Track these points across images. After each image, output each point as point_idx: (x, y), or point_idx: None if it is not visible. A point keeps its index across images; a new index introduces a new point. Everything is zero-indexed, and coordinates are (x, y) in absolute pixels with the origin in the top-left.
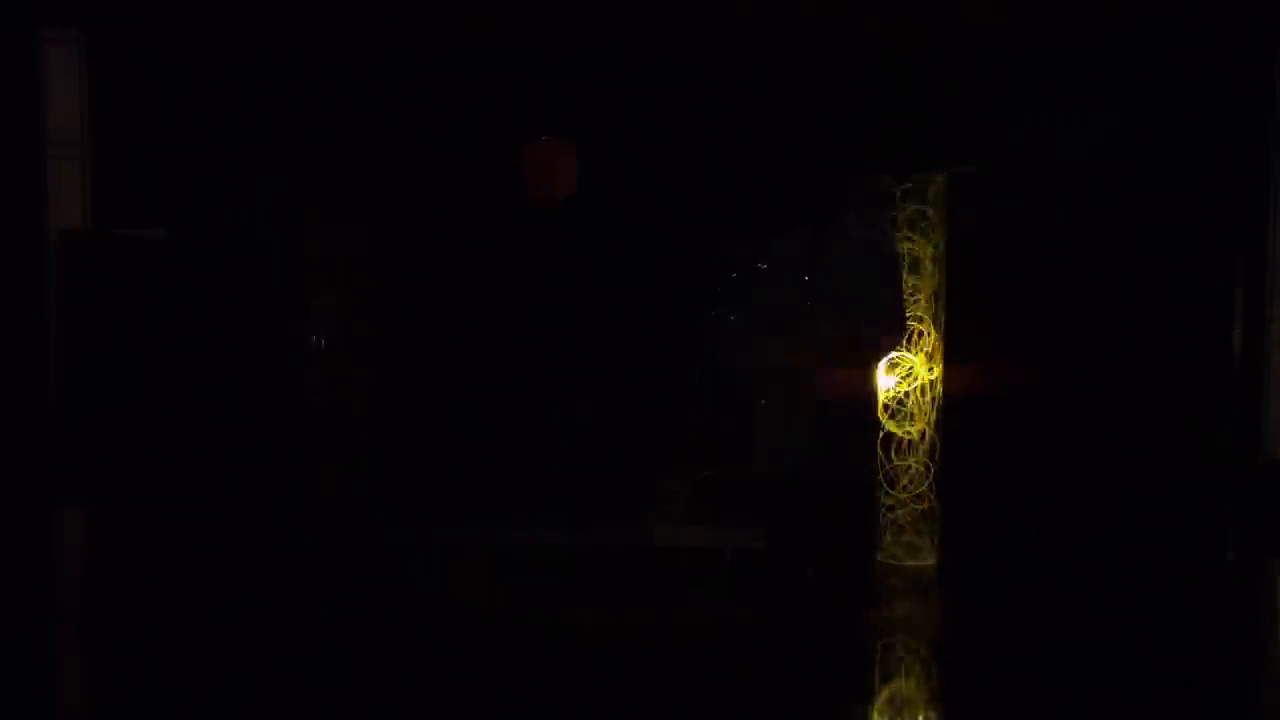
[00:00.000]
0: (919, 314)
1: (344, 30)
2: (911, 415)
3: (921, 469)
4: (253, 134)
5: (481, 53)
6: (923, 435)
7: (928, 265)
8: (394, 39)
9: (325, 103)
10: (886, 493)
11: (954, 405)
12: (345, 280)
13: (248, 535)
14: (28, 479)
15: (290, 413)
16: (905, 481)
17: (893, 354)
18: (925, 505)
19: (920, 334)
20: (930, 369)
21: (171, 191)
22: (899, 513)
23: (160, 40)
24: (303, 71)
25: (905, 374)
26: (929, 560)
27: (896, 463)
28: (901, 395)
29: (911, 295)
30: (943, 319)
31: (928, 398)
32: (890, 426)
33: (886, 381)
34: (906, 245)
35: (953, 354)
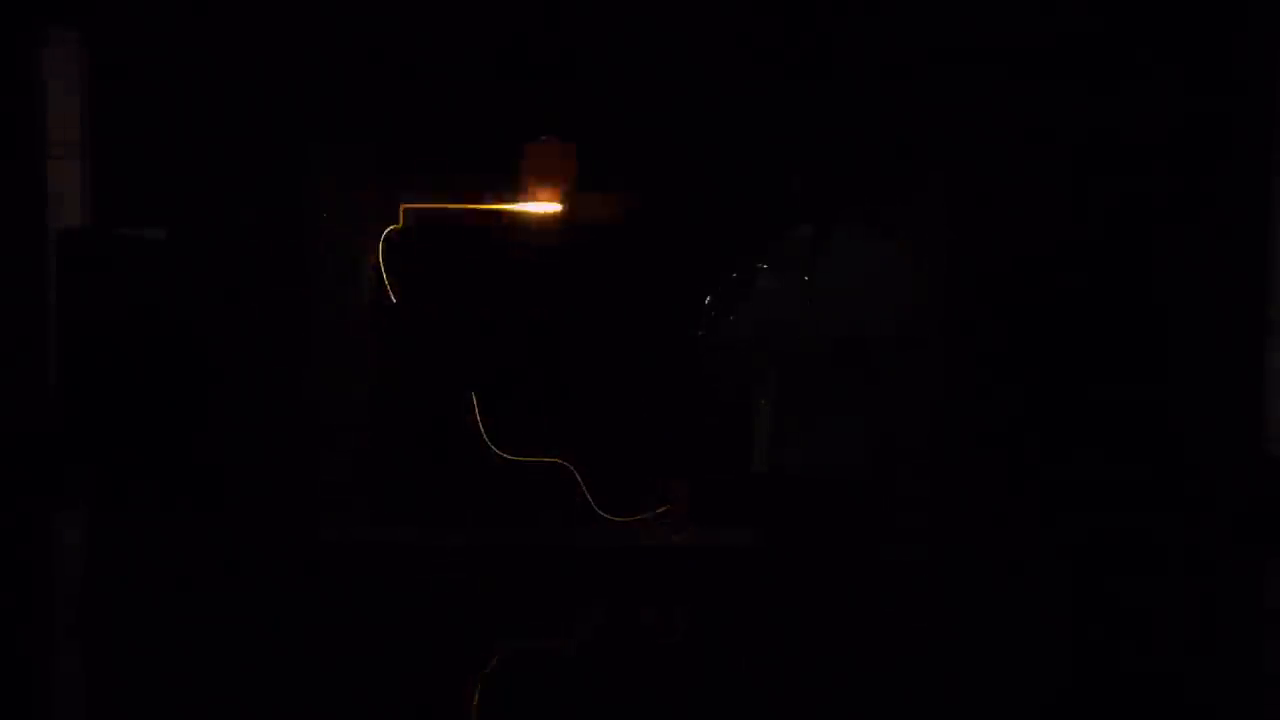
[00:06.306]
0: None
1: (345, 30)
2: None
3: (920, 468)
4: (253, 134)
5: (482, 53)
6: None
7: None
8: (395, 38)
9: (325, 103)
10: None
11: (953, 404)
12: (345, 281)
13: (250, 535)
14: (27, 479)
15: (292, 412)
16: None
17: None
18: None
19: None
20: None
21: (171, 191)
22: (898, 512)
23: (160, 41)
24: (303, 71)
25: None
26: (924, 558)
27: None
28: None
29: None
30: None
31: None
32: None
33: None
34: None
35: (952, 353)
